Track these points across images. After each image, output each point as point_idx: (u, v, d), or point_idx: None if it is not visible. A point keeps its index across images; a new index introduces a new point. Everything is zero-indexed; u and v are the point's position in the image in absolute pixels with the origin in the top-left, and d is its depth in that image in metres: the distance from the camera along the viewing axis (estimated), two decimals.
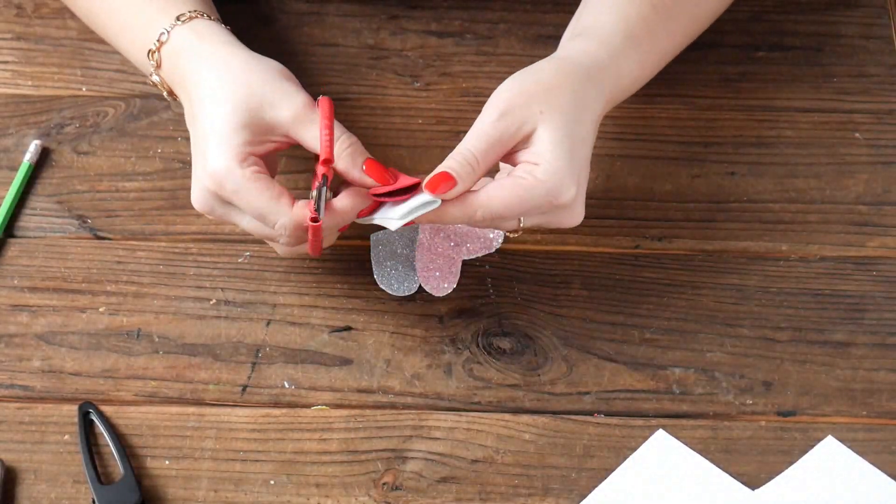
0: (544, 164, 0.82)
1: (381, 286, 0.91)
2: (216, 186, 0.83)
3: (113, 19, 0.93)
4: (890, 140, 0.99)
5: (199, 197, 0.85)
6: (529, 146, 0.83)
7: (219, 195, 0.84)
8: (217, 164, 0.83)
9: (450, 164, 0.82)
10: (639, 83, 0.91)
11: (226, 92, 0.85)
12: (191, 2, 0.90)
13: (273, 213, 0.83)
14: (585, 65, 0.86)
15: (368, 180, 0.85)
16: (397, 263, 0.92)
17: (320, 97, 0.86)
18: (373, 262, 0.92)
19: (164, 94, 0.91)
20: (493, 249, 0.93)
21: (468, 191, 0.83)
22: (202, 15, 0.89)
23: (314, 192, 0.83)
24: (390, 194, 0.84)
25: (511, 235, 0.89)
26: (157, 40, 0.88)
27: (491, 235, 0.93)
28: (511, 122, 0.83)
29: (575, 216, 0.86)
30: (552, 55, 0.89)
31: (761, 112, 1.00)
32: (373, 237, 0.93)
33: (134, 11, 0.90)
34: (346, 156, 0.85)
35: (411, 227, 0.92)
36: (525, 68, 0.87)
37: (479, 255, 0.93)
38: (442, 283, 0.91)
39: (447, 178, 0.82)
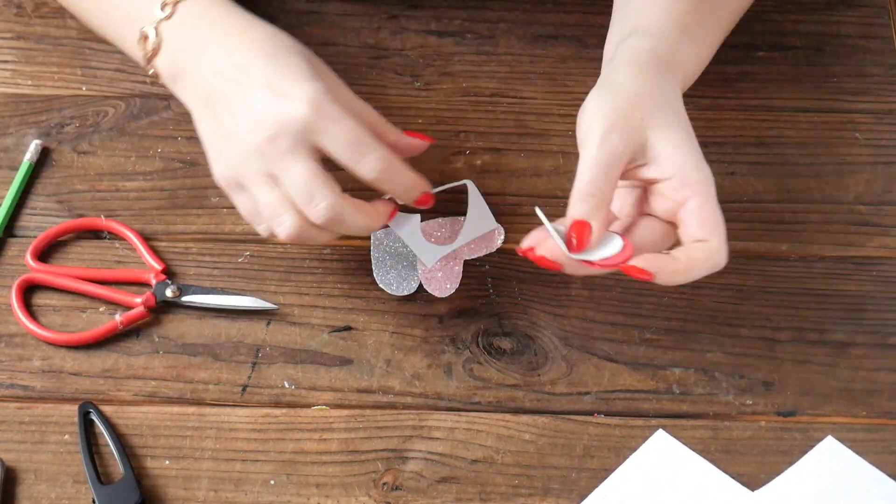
0: (683, 167, 0.81)
1: (381, 286, 0.91)
2: (314, 112, 0.81)
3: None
4: (890, 140, 0.99)
5: (284, 128, 0.81)
6: (652, 157, 0.81)
7: (313, 125, 0.81)
8: (316, 89, 0.81)
9: (577, 209, 0.80)
10: (696, 76, 0.90)
11: (287, 43, 0.84)
12: None
13: (369, 140, 0.82)
14: (653, 62, 0.84)
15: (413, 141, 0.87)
16: (397, 263, 0.92)
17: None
18: (373, 262, 0.92)
19: (143, 54, 0.87)
20: (495, 249, 0.93)
21: (702, 251, 0.80)
22: None
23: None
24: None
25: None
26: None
27: (494, 234, 0.93)
28: (617, 140, 0.80)
29: None
30: (611, 61, 0.86)
31: (761, 112, 1.00)
32: (373, 236, 0.93)
33: None
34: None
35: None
36: (598, 87, 0.84)
37: (481, 254, 0.93)
38: (444, 284, 0.91)
39: (583, 227, 0.80)
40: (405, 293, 0.91)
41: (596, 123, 0.81)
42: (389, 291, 0.91)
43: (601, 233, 0.81)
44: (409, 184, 0.85)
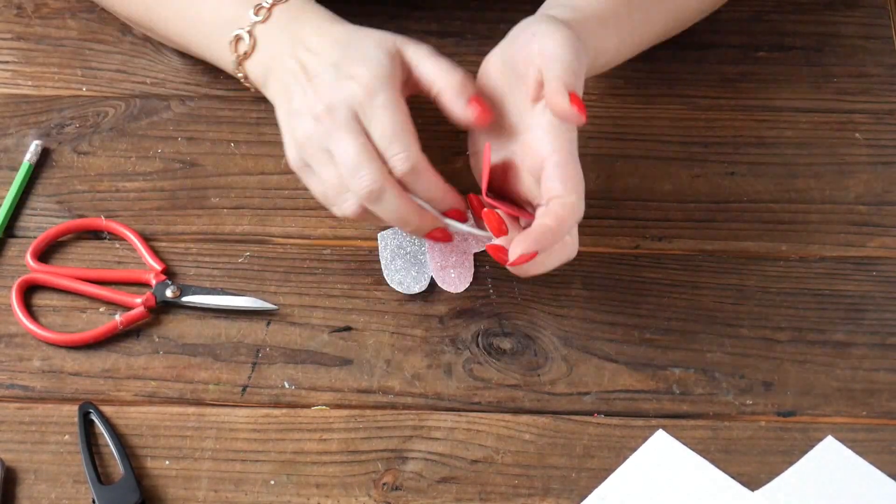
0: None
1: (392, 285, 0.91)
2: (367, 95, 0.83)
3: None
4: (890, 140, 0.99)
5: (340, 102, 0.84)
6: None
7: (362, 108, 0.84)
8: (377, 74, 0.84)
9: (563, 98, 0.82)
10: (612, 65, 0.92)
11: (372, 36, 0.86)
12: None
13: (405, 139, 0.83)
14: (575, 31, 0.86)
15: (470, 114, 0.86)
16: (408, 262, 0.92)
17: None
18: (381, 262, 0.92)
19: (235, 57, 0.89)
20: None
21: (551, 215, 0.83)
22: None
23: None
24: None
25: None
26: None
27: None
28: (582, 57, 0.84)
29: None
30: (548, 14, 0.88)
31: (761, 112, 1.00)
32: (380, 235, 0.93)
33: None
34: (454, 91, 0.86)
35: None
36: (545, 20, 0.86)
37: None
38: (458, 280, 0.91)
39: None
40: (416, 291, 0.91)
41: (564, 40, 0.83)
42: (400, 290, 0.91)
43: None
44: (435, 193, 0.86)
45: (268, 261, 0.93)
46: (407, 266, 0.92)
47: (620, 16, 0.89)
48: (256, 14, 0.88)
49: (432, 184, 0.85)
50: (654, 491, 0.85)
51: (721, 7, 1.00)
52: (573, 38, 0.83)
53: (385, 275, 0.92)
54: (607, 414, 0.88)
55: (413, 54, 0.87)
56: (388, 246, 0.93)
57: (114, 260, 0.93)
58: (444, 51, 1.02)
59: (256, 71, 0.90)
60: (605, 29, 0.88)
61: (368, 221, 0.87)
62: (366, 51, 0.85)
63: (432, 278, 0.92)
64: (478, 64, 1.01)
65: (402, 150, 0.83)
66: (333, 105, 0.84)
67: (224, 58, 0.91)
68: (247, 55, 0.89)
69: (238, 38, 0.89)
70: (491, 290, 0.92)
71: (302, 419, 0.87)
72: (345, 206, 0.85)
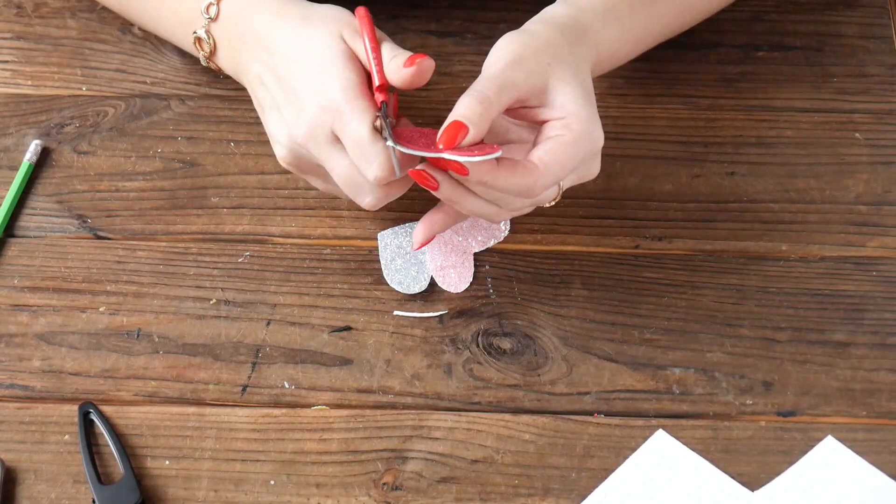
0: (573, 115, 0.82)
1: (392, 285, 0.91)
2: (333, 117, 0.83)
3: None
4: (890, 140, 0.99)
5: (306, 131, 0.84)
6: (549, 102, 0.83)
7: (331, 128, 0.83)
8: (337, 94, 0.83)
9: (460, 111, 0.80)
10: (615, 60, 0.91)
11: (326, 38, 0.85)
12: None
13: (375, 145, 0.82)
14: (570, 26, 0.86)
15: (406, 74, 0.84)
16: (407, 262, 0.92)
17: (357, 9, 0.87)
18: (381, 261, 0.92)
19: (202, 54, 0.91)
20: (501, 238, 0.93)
21: (521, 163, 0.81)
22: None
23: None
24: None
25: (550, 204, 0.86)
26: None
27: (500, 225, 0.93)
28: (522, 70, 0.82)
29: (598, 163, 0.87)
30: (534, 19, 0.87)
31: (761, 112, 1.00)
32: (380, 235, 0.93)
33: None
34: (393, 68, 0.84)
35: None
36: (516, 31, 0.86)
37: (489, 244, 0.93)
38: (458, 280, 0.91)
39: (459, 128, 0.79)
40: (416, 291, 0.91)
41: (504, 56, 0.82)
42: (399, 290, 0.91)
43: (474, 138, 0.80)
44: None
45: (268, 261, 0.93)
46: (407, 266, 0.92)
47: (621, 10, 0.89)
48: (207, 13, 0.89)
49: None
50: (654, 491, 0.85)
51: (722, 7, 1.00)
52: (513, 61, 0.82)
53: (385, 275, 0.92)
54: (607, 414, 0.88)
55: (352, 43, 0.86)
56: (388, 246, 0.93)
57: (113, 260, 0.93)
58: (443, 50, 1.03)
59: (227, 67, 0.92)
60: (606, 21, 0.88)
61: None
62: (334, 65, 0.84)
63: (432, 278, 0.92)
64: (477, 64, 1.01)
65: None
66: (311, 131, 0.84)
67: (195, 53, 0.92)
68: (212, 53, 0.91)
69: (198, 38, 0.91)
70: (491, 290, 0.92)
71: (302, 419, 0.87)
72: (366, 202, 0.86)
